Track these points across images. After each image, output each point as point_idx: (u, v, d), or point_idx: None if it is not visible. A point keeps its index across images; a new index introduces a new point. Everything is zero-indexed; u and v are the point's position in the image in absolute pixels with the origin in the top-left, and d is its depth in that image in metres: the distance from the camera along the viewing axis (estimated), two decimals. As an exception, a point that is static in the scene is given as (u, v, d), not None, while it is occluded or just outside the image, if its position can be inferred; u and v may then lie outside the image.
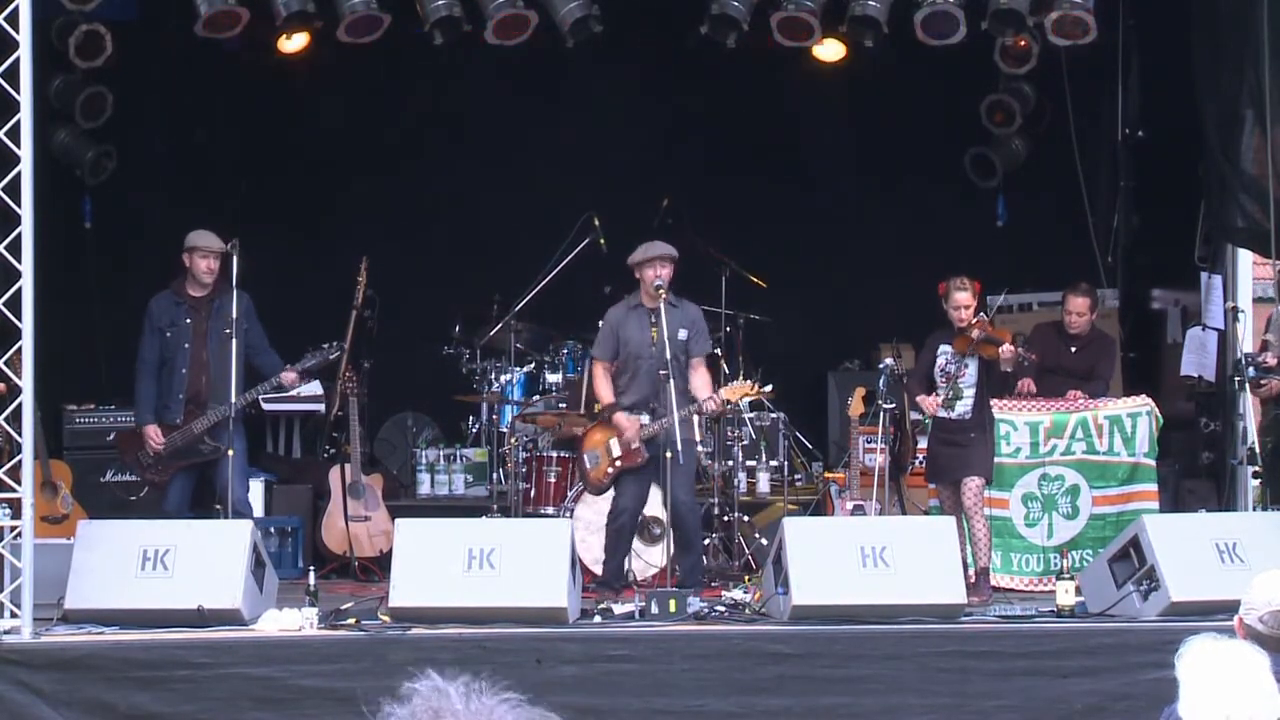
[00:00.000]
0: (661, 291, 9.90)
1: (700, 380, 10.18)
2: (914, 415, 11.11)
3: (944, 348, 10.02)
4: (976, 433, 9.97)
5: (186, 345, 10.37)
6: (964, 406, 9.96)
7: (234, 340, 10.15)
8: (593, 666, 8.41)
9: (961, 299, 9.91)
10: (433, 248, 13.30)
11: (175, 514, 10.32)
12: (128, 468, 10.67)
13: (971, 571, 10.08)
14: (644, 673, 8.41)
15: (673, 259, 10.04)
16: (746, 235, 13.06)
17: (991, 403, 10.38)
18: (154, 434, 10.32)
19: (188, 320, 10.39)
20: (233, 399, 10.15)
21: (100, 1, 10.43)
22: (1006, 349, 9.79)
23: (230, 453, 10.14)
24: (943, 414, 10.00)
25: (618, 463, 10.11)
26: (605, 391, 10.20)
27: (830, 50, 12.44)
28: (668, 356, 9.84)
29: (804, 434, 12.95)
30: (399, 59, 12.39)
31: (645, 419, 10.06)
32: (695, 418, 10.03)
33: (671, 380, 9.83)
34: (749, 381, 10.64)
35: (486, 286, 12.77)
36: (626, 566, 10.31)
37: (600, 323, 10.39)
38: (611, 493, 10.25)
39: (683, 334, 10.11)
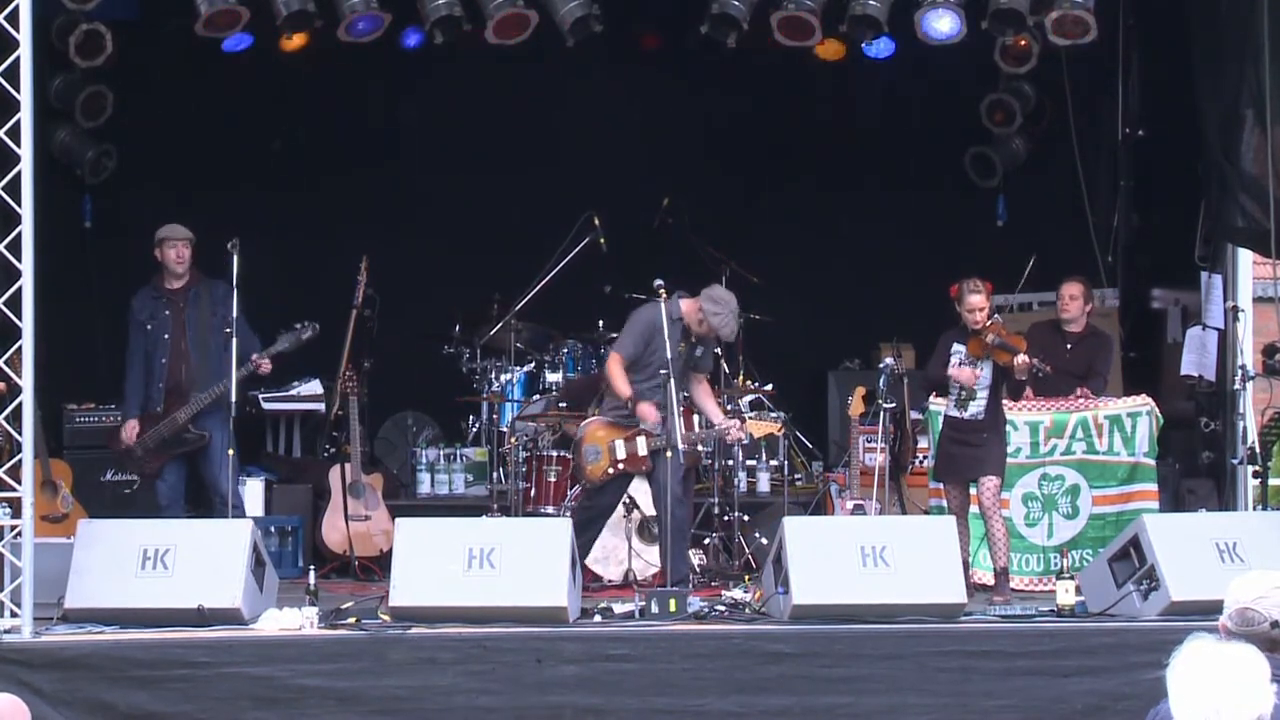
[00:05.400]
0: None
1: (706, 393, 10.43)
2: (914, 414, 11.11)
3: (957, 347, 9.98)
4: (990, 433, 9.95)
5: (166, 336, 10.59)
6: (977, 407, 9.94)
7: (234, 339, 10.23)
8: (593, 666, 8.40)
9: (975, 301, 9.87)
10: (433, 248, 13.29)
11: (170, 504, 10.51)
12: (119, 461, 10.89)
13: (976, 570, 10.11)
14: (644, 672, 8.41)
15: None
16: (746, 235, 13.05)
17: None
18: (130, 428, 10.54)
19: (166, 312, 10.63)
20: (233, 397, 10.23)
21: (100, 1, 10.43)
22: (1021, 360, 9.75)
23: (206, 435, 10.34)
24: (955, 413, 9.98)
25: (620, 464, 10.15)
26: (625, 385, 10.13)
27: (830, 50, 12.44)
28: (669, 357, 9.92)
29: (804, 434, 12.96)
30: (399, 58, 12.39)
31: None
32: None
33: (673, 383, 9.91)
34: (776, 421, 10.75)
35: (486, 286, 12.78)
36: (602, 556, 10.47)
37: (634, 318, 10.33)
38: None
39: (699, 350, 10.34)
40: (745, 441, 11.25)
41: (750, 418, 11.21)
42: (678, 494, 10.03)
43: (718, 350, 12.08)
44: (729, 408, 11.19)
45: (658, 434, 10.01)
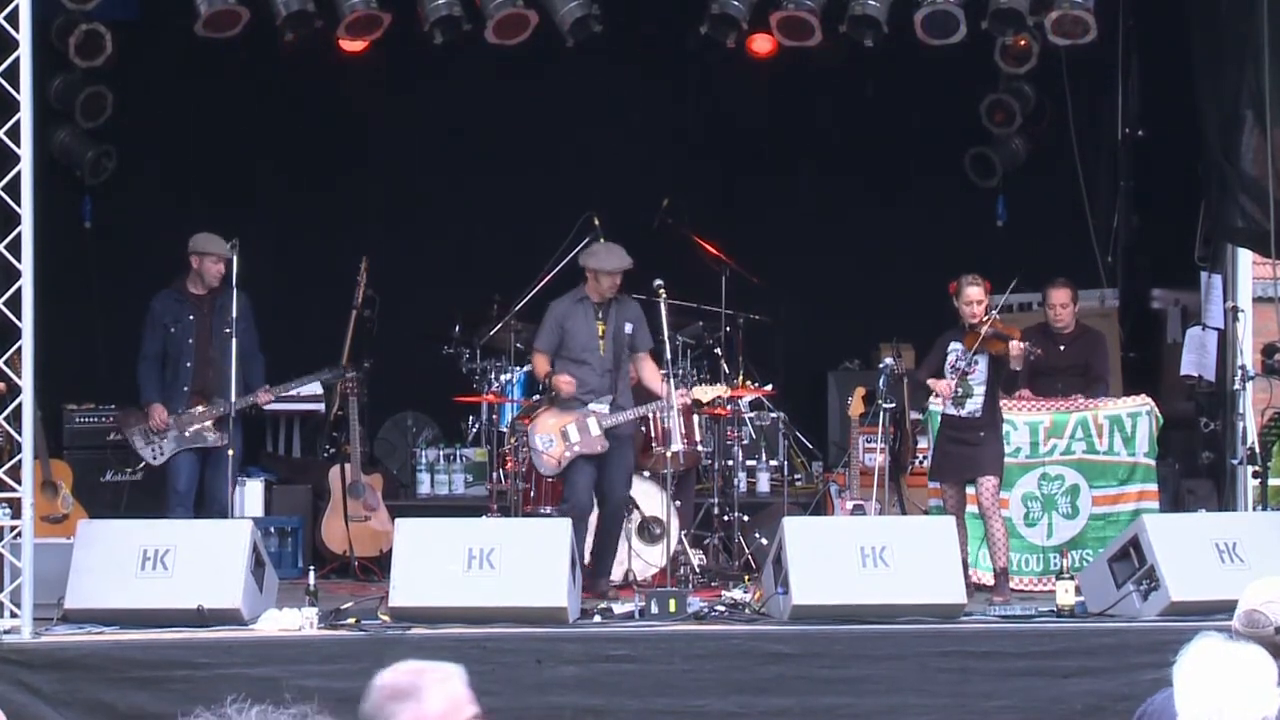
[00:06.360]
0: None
1: (650, 372, 10.41)
2: (914, 414, 11.11)
3: (954, 345, 9.99)
4: (987, 431, 9.95)
5: (191, 341, 10.63)
6: (974, 404, 9.95)
7: (233, 340, 10.26)
8: (593, 666, 8.41)
9: (973, 294, 9.91)
10: (433, 248, 13.29)
11: (186, 494, 10.57)
12: (126, 441, 10.87)
13: (975, 571, 10.10)
14: (644, 673, 8.42)
15: (627, 270, 10.33)
16: (746, 235, 13.05)
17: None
18: (160, 411, 10.56)
19: (191, 317, 10.64)
20: (232, 397, 10.27)
21: (100, 1, 10.43)
22: (1015, 345, 9.78)
23: (230, 452, 10.33)
24: (952, 411, 9.99)
25: (575, 447, 10.18)
26: (543, 368, 10.42)
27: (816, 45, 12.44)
28: (667, 356, 9.93)
29: (804, 434, 12.96)
30: (398, 58, 12.39)
31: (603, 408, 10.24)
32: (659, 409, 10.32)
33: (672, 382, 9.92)
34: (720, 384, 10.82)
35: (486, 286, 12.77)
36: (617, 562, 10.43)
37: (545, 314, 10.56)
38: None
39: (628, 328, 10.36)
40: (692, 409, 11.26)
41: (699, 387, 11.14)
42: (624, 480, 10.23)
43: (710, 342, 12.10)
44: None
45: (613, 417, 10.18)
